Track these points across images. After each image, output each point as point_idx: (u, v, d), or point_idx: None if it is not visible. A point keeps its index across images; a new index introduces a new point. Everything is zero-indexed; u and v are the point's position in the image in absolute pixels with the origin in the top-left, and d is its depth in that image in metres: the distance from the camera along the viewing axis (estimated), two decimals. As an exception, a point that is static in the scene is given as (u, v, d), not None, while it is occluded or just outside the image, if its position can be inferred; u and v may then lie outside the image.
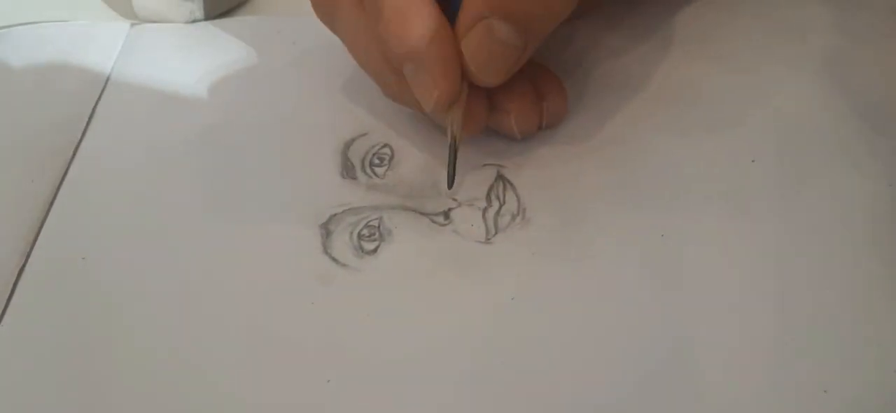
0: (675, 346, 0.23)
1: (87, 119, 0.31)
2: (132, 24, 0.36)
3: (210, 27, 0.36)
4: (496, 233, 0.26)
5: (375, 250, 0.26)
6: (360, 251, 0.26)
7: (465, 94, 0.26)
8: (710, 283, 0.24)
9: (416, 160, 0.29)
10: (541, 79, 0.28)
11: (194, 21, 0.36)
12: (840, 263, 0.24)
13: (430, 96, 0.25)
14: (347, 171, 0.29)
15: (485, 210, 0.27)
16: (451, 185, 0.27)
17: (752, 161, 0.27)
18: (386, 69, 0.27)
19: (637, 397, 0.22)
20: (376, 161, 0.29)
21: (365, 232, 0.27)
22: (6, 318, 0.25)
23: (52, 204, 0.28)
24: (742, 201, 0.26)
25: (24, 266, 0.26)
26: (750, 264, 0.24)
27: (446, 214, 0.27)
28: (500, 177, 0.28)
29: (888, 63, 0.30)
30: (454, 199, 0.27)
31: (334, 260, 0.26)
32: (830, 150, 0.27)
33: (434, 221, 0.27)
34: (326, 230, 0.27)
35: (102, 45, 0.34)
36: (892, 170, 0.26)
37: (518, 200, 0.27)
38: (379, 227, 0.27)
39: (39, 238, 0.27)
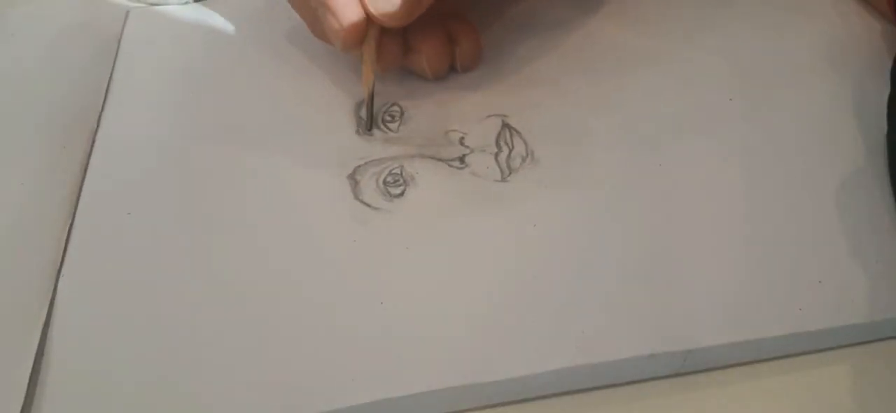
0: (670, 241, 0.26)
1: (106, 83, 0.33)
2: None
3: (212, 5, 0.37)
4: (510, 173, 0.29)
5: (402, 194, 0.28)
6: (389, 195, 0.28)
7: (376, 33, 0.29)
8: (699, 201, 0.28)
9: (424, 113, 0.31)
10: (454, 25, 0.32)
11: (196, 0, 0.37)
12: (805, 170, 0.28)
13: (336, 36, 0.28)
14: (363, 128, 0.31)
15: (497, 154, 0.30)
16: (369, 127, 0.30)
17: (730, 99, 0.31)
18: (310, 13, 0.30)
19: (638, 288, 0.25)
20: (388, 118, 0.31)
21: (389, 179, 0.29)
22: (65, 268, 0.26)
23: (86, 168, 0.29)
24: (723, 132, 0.30)
25: (72, 225, 0.28)
26: (732, 182, 0.28)
27: (462, 159, 0.30)
28: (506, 125, 0.31)
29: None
30: (467, 147, 0.30)
31: (366, 204, 0.28)
32: (790, 85, 0.32)
33: (451, 166, 0.29)
34: (354, 180, 0.29)
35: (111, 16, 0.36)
36: (843, 94, 0.31)
37: (525, 144, 0.30)
38: (401, 173, 0.29)
39: (81, 200, 0.28)
